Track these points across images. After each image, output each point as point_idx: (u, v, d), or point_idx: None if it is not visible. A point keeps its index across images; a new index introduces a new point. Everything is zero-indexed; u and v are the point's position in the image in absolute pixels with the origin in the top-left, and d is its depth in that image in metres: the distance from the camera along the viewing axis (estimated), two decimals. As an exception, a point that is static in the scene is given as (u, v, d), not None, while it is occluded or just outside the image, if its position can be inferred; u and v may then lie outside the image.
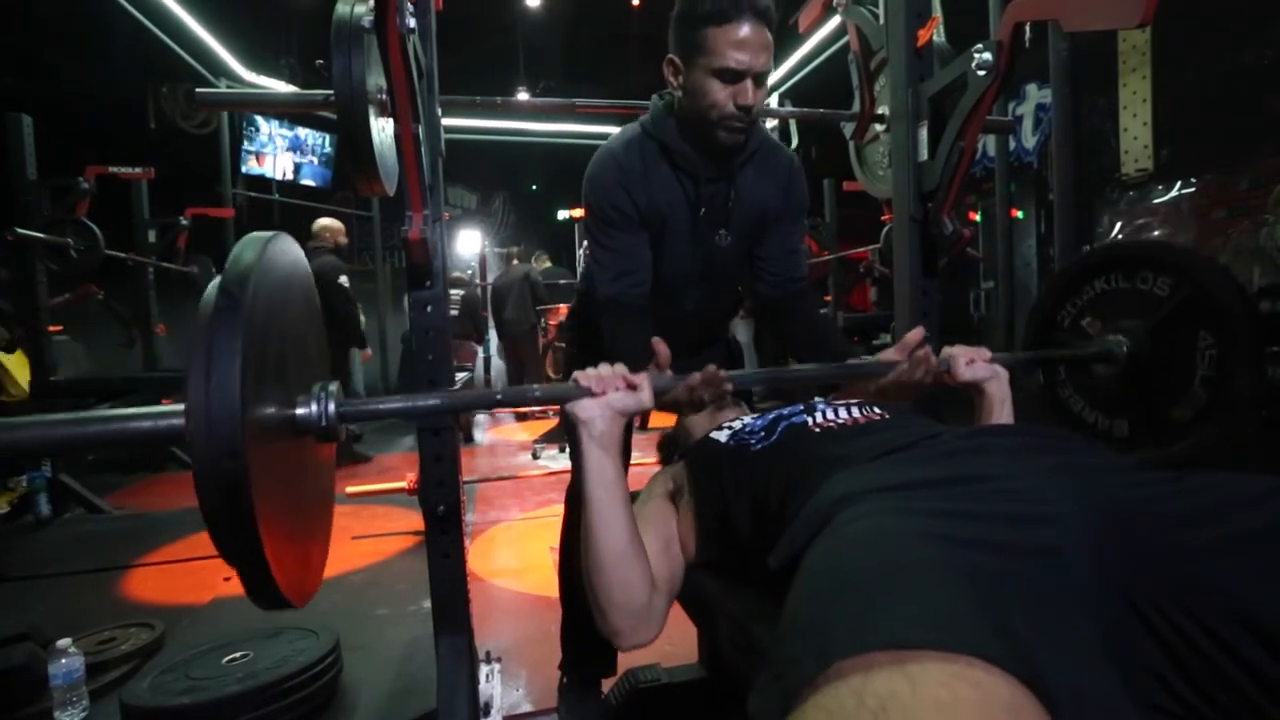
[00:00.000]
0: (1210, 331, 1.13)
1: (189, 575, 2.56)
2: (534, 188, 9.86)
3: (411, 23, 0.97)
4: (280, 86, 6.16)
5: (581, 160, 1.39)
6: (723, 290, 1.47)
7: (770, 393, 4.25)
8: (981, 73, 1.30)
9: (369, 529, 3.04)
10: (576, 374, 0.86)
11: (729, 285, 1.49)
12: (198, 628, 2.04)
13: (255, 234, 0.72)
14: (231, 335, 0.61)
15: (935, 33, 1.57)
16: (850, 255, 5.37)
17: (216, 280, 0.66)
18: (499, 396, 0.88)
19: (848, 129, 2.08)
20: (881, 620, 0.43)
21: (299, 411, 0.74)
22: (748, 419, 0.99)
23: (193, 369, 0.61)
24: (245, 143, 6.47)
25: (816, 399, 0.88)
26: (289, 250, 0.78)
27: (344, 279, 4.27)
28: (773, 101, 6.43)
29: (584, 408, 0.83)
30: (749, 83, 1.13)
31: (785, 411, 0.93)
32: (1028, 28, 1.29)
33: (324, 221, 4.49)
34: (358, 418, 0.80)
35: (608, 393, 0.83)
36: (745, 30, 1.10)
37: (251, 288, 0.65)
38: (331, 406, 0.76)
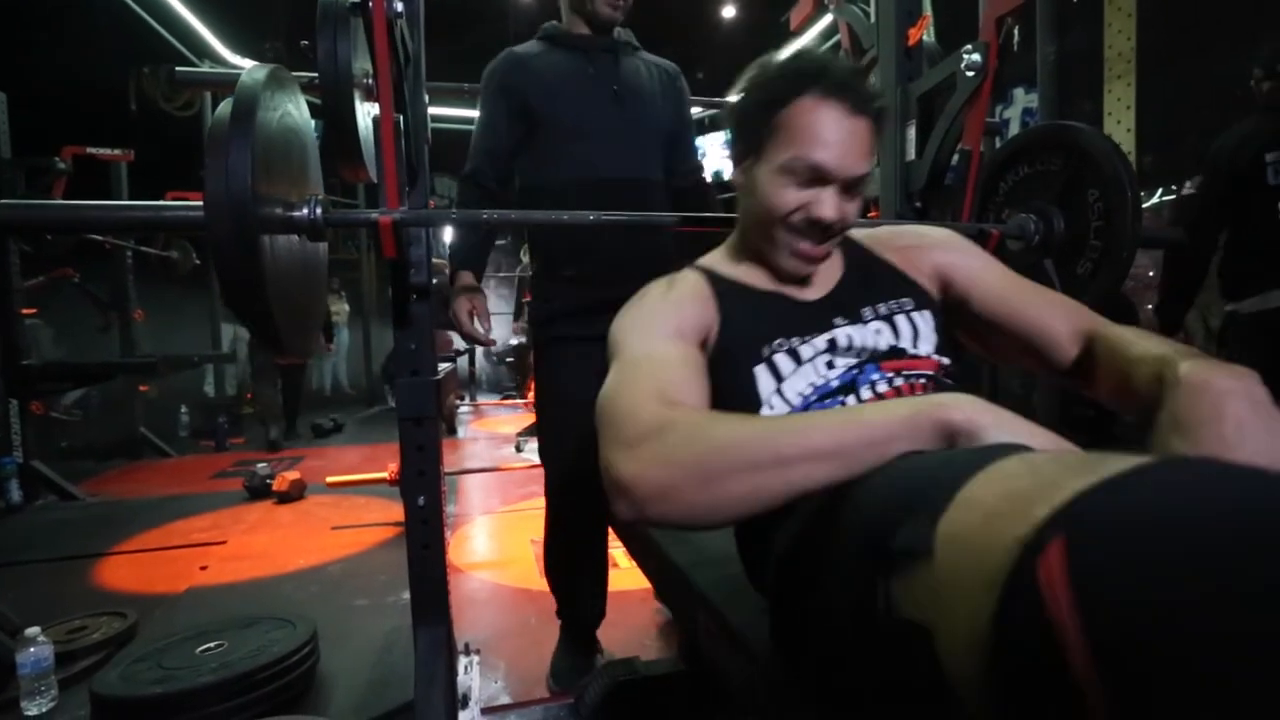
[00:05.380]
0: (1095, 186, 1.26)
1: (164, 564, 2.53)
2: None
3: (399, 6, 0.96)
4: (265, 70, 6.07)
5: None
6: (645, 185, 1.52)
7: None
8: (970, 74, 1.31)
9: (349, 519, 3.02)
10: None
11: (648, 178, 1.54)
12: (172, 617, 2.01)
13: (259, 66, 0.95)
14: (242, 142, 0.82)
15: (925, 33, 1.58)
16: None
17: (228, 100, 0.86)
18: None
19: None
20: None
21: (294, 213, 0.96)
22: (815, 374, 0.81)
23: (210, 167, 0.81)
24: (229, 126, 6.36)
25: (869, 365, 0.80)
26: (289, 82, 1.01)
27: None
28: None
29: None
30: None
31: (835, 384, 0.79)
32: (1016, 31, 1.30)
33: None
34: (342, 223, 1.03)
35: None
36: None
37: (258, 103, 0.86)
38: (319, 211, 0.98)
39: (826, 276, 0.88)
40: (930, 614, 0.42)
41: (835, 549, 0.57)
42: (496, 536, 2.93)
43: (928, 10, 1.81)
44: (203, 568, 2.46)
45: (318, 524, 2.98)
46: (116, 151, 4.21)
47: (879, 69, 1.59)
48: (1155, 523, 0.32)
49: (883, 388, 0.78)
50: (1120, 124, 3.64)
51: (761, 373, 0.80)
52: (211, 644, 1.54)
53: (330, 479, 3.24)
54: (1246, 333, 2.14)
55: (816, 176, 0.78)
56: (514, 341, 7.87)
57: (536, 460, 4.62)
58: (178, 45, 5.57)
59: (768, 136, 0.79)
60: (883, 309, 0.85)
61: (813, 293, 0.87)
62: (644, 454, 0.60)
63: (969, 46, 1.30)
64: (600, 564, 1.64)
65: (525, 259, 6.68)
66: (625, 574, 2.10)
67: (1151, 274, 3.36)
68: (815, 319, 0.83)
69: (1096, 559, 0.32)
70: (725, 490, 0.57)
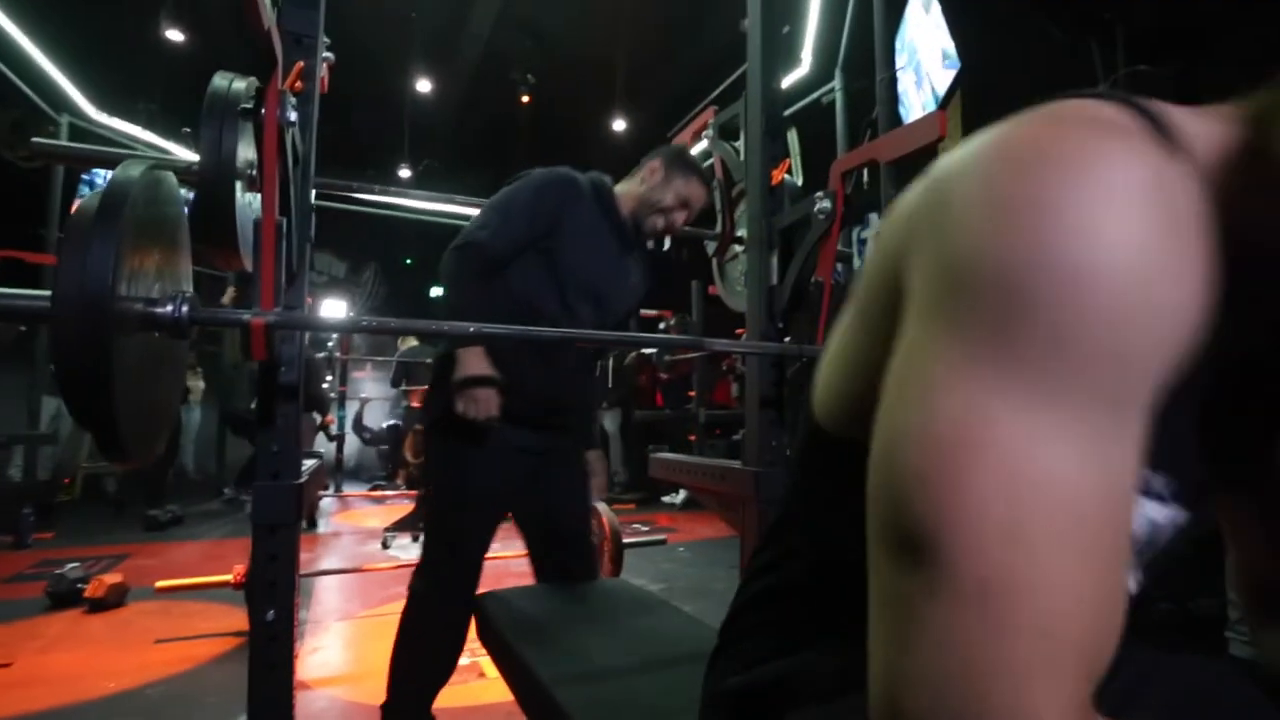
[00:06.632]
0: None
1: (-75, 693, 2.09)
2: (408, 261, 9.66)
3: (293, 116, 0.98)
4: (135, 132, 5.71)
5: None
6: (592, 357, 1.73)
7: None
8: (821, 216, 1.50)
9: (178, 630, 2.65)
10: None
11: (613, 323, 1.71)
12: (-73, 763, 1.65)
13: (138, 158, 0.93)
14: (108, 235, 0.76)
15: (788, 173, 1.80)
16: (715, 353, 5.69)
17: (100, 189, 0.82)
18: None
19: (711, 245, 2.27)
20: None
21: (156, 309, 0.91)
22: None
23: (66, 260, 0.75)
24: (83, 183, 5.82)
25: None
26: (166, 180, 0.98)
27: None
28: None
29: None
30: (685, 213, 1.65)
31: None
32: (865, 172, 1.52)
33: None
34: (209, 322, 0.97)
35: None
36: (700, 189, 1.66)
37: (130, 200, 0.80)
38: (185, 309, 0.92)
39: None
40: None
41: None
42: (354, 646, 2.68)
43: (790, 154, 2.06)
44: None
45: (138, 636, 2.60)
46: (-63, 204, 3.75)
47: (746, 202, 1.78)
48: None
49: None
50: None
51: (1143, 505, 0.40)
52: (-20, 797, 1.28)
53: (160, 583, 2.85)
54: None
55: None
56: (387, 424, 7.49)
57: (404, 559, 4.32)
58: (29, 92, 5.11)
59: None
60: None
61: None
62: None
63: (820, 194, 1.50)
64: (450, 667, 1.62)
65: (402, 345, 6.51)
66: (491, 685, 1.98)
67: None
68: None
69: None
70: None
